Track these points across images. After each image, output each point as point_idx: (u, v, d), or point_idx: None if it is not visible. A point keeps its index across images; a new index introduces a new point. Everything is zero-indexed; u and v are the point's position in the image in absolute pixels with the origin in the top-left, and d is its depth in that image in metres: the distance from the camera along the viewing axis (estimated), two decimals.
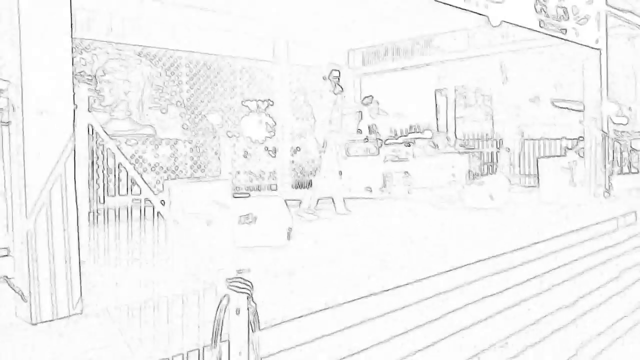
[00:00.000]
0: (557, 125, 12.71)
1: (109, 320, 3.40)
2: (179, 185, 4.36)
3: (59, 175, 3.40)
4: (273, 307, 4.06)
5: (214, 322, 2.64)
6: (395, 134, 12.90)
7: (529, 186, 11.85)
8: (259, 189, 11.21)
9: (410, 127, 13.23)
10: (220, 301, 2.66)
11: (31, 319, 3.32)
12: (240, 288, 2.66)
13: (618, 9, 9.05)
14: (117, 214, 3.83)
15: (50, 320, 3.38)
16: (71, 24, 3.48)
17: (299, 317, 4.33)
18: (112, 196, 3.74)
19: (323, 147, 8.20)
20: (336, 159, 8.06)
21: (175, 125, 9.75)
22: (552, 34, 7.97)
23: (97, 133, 3.62)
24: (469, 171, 11.58)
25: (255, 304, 2.76)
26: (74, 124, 3.52)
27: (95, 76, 8.72)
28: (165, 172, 9.50)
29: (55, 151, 3.40)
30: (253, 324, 2.78)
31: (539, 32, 7.84)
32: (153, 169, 9.37)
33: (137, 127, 9.20)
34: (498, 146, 12.27)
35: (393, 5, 9.58)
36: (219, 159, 10.15)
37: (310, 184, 12.61)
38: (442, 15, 10.17)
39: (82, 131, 3.62)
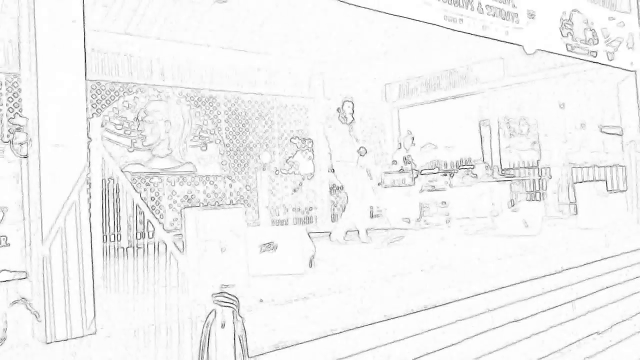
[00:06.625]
0: (608, 153, 12.36)
1: (120, 341, 3.58)
2: (194, 212, 4.56)
3: (72, 203, 3.65)
4: (283, 332, 4.15)
5: (201, 336, 2.77)
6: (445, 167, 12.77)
7: (575, 214, 11.50)
8: (302, 223, 11.38)
9: (461, 160, 13.10)
10: (207, 316, 2.79)
11: (46, 338, 3.53)
12: (225, 302, 2.78)
13: None
14: (134, 247, 4.04)
15: (64, 340, 3.58)
16: (85, 65, 3.79)
17: (310, 340, 4.39)
18: (127, 231, 3.96)
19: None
20: (361, 189, 8.16)
21: (215, 161, 10.10)
22: (582, 58, 7.89)
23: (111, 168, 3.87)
24: (511, 200, 11.38)
25: (243, 318, 2.87)
26: (88, 156, 3.79)
27: (137, 117, 9.19)
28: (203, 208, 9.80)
29: (70, 181, 3.66)
30: (242, 339, 2.88)
31: (567, 56, 7.78)
32: (192, 205, 9.69)
33: (178, 164, 9.59)
34: (540, 174, 12.03)
35: (424, 37, 9.68)
36: (257, 194, 10.39)
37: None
38: (475, 45, 10.17)
39: (97, 163, 3.89)
